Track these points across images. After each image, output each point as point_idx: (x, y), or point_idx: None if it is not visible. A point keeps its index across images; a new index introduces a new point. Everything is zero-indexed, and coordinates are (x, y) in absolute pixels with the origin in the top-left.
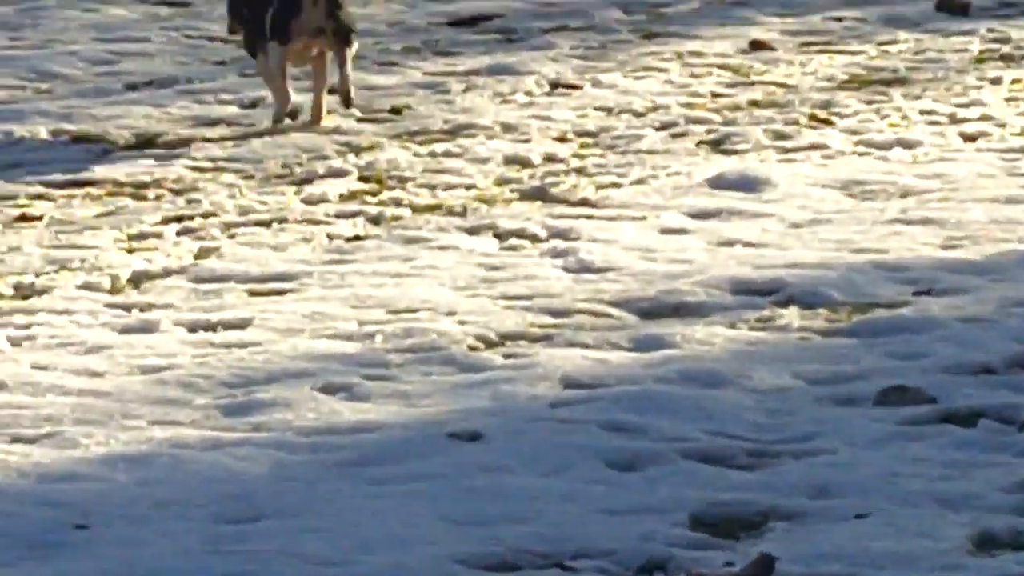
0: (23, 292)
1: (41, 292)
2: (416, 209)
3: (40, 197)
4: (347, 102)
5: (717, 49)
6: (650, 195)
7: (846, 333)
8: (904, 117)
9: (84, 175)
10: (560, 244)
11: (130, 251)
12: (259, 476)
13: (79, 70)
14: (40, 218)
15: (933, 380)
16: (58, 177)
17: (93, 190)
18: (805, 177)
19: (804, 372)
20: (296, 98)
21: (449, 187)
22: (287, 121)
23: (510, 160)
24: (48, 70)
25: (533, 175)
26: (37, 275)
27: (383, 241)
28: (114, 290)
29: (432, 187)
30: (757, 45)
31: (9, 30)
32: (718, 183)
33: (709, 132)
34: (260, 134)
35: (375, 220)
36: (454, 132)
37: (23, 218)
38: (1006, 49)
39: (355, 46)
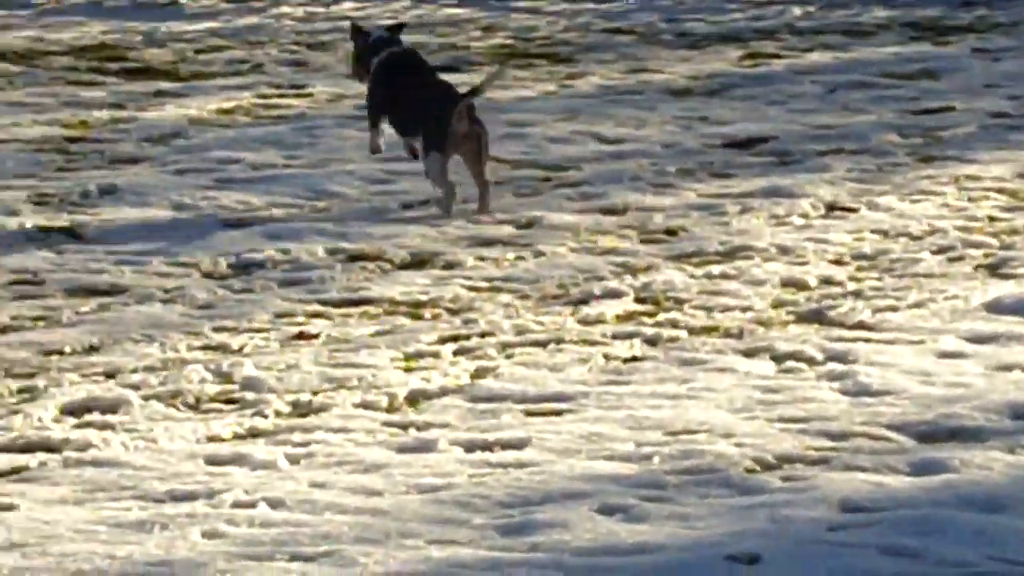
0: (301, 410)
1: (319, 410)
2: (692, 331)
3: (317, 315)
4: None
5: (994, 173)
6: (928, 319)
7: None
8: None
9: (361, 294)
10: (837, 367)
11: (407, 370)
12: None
13: (355, 189)
14: (317, 336)
15: None
16: (335, 296)
17: (370, 309)
18: None
19: None
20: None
21: (725, 309)
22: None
23: (786, 282)
24: (325, 188)
25: (810, 298)
26: (315, 393)
27: (660, 363)
28: (391, 409)
29: (708, 309)
30: None
31: (286, 148)
32: (996, 307)
33: (986, 256)
34: (536, 254)
35: (652, 341)
36: (730, 254)
37: (301, 336)
38: None
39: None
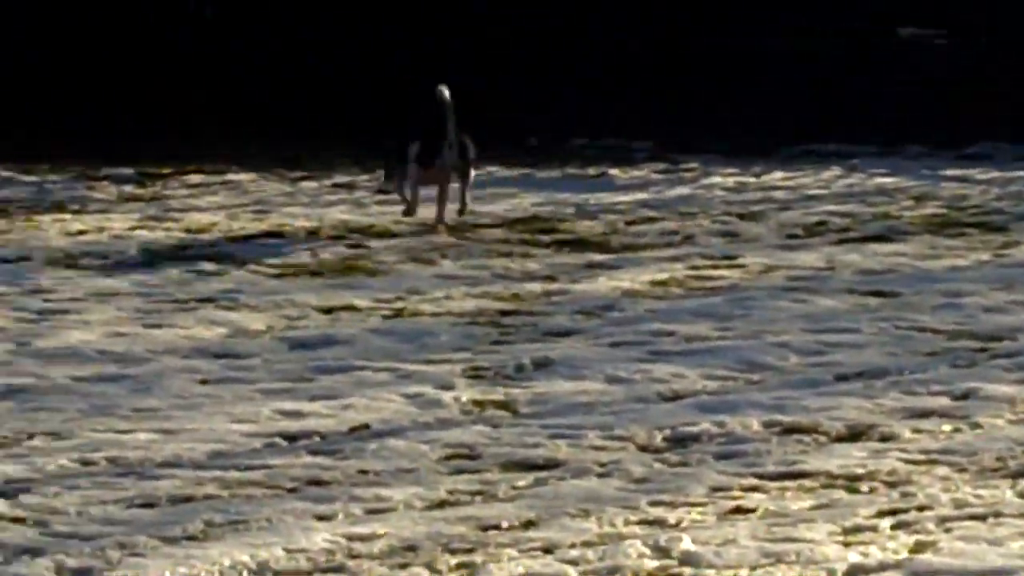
0: None
1: None
2: None
3: (754, 489)
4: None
5: None
6: None
7: None
8: None
9: (797, 467)
10: None
11: (845, 544)
12: None
13: (789, 360)
14: (754, 511)
15: None
16: (771, 469)
17: (806, 482)
18: None
19: None
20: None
21: None
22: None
23: None
24: (759, 361)
25: None
26: (752, 568)
27: None
28: None
29: None
30: None
31: (719, 320)
32: None
33: None
34: (974, 426)
35: None
36: None
37: (737, 510)
38: None
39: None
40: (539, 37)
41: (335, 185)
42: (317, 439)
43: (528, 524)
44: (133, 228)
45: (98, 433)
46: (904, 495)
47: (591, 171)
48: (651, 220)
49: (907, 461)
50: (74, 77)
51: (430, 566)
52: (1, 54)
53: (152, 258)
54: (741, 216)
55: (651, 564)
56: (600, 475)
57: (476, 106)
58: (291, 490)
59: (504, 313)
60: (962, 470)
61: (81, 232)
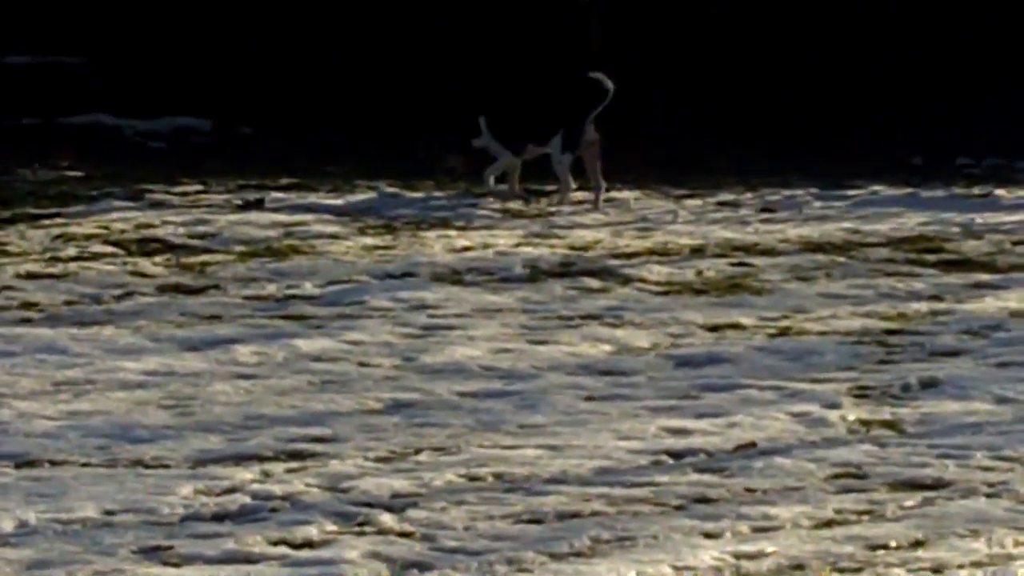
0: None
1: None
2: None
3: None
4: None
5: None
6: None
7: None
8: None
9: None
10: None
11: None
12: None
13: None
14: None
15: None
16: None
17: None
18: None
19: None
20: None
21: None
22: None
23: None
24: None
25: None
26: None
27: None
28: None
29: None
30: None
31: None
32: None
33: None
34: None
35: None
36: None
37: None
38: None
39: None
40: (927, 58)
41: (719, 203)
42: (703, 456)
43: (916, 544)
44: (517, 245)
45: (484, 448)
46: None
47: (976, 191)
48: None
49: None
50: (451, 98)
51: None
52: (398, 73)
53: (537, 275)
54: None
55: None
56: (988, 495)
57: (859, 125)
58: (678, 507)
59: (890, 332)
60: None
61: (466, 248)
